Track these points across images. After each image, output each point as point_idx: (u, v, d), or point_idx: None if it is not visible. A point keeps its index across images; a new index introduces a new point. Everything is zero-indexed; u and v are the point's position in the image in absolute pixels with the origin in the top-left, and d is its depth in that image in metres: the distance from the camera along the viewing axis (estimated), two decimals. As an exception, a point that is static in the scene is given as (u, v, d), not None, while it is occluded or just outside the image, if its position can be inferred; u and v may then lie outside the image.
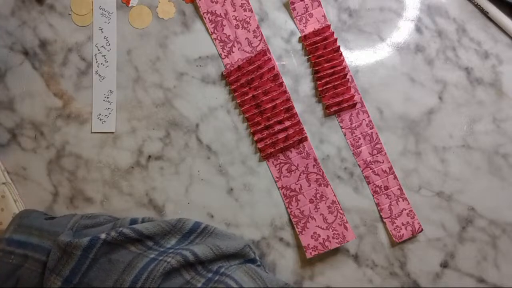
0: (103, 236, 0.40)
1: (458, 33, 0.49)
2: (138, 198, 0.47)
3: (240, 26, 0.48)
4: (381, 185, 0.48)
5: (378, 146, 0.48)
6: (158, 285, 0.38)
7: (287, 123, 0.47)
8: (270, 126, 0.47)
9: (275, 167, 0.48)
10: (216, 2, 0.48)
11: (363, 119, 0.48)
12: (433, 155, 0.48)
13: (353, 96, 0.48)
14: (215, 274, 0.41)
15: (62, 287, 0.38)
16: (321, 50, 0.48)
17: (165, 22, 0.48)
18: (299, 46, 0.49)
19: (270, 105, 0.47)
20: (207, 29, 0.48)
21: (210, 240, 0.43)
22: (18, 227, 0.41)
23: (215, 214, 0.47)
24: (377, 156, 0.48)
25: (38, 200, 0.47)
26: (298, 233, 0.47)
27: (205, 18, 0.48)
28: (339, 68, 0.47)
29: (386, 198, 0.48)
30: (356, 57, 0.49)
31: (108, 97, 0.47)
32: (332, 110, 0.48)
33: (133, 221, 0.43)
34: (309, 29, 0.48)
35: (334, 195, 0.47)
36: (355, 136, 0.48)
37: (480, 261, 0.47)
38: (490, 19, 0.49)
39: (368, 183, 0.48)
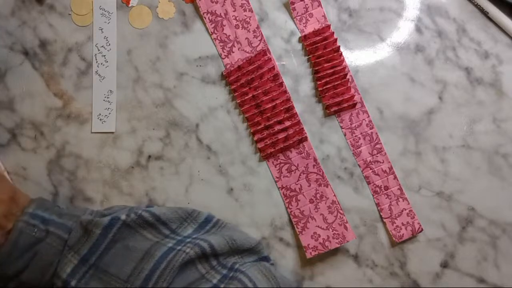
0: (123, 217, 0.40)
1: (458, 33, 0.49)
2: (138, 198, 0.47)
3: (240, 26, 0.48)
4: (381, 185, 0.48)
5: (378, 146, 0.48)
6: (174, 276, 0.38)
7: (287, 123, 0.47)
8: (270, 126, 0.47)
9: (275, 167, 0.48)
10: (216, 2, 0.48)
11: (363, 119, 0.48)
12: (433, 155, 0.48)
13: (353, 96, 0.48)
14: (230, 271, 0.41)
15: (78, 265, 0.38)
16: (321, 50, 0.48)
17: (165, 22, 0.48)
18: (299, 46, 0.49)
19: (270, 105, 0.47)
20: (207, 29, 0.48)
21: (225, 232, 0.44)
22: (40, 206, 0.41)
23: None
24: (377, 156, 0.48)
25: (38, 200, 0.47)
26: (298, 233, 0.47)
27: (205, 18, 0.48)
28: (339, 68, 0.47)
29: (386, 198, 0.48)
30: (356, 57, 0.49)
31: (108, 97, 0.47)
32: (332, 110, 0.48)
33: (149, 207, 0.44)
34: (309, 29, 0.48)
35: (334, 195, 0.47)
36: (355, 136, 0.48)
37: (480, 261, 0.47)
38: (490, 19, 0.49)
39: (368, 183, 0.48)
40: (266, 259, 0.45)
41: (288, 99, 0.47)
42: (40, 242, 0.39)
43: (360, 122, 0.48)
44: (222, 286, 0.39)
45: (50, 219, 0.40)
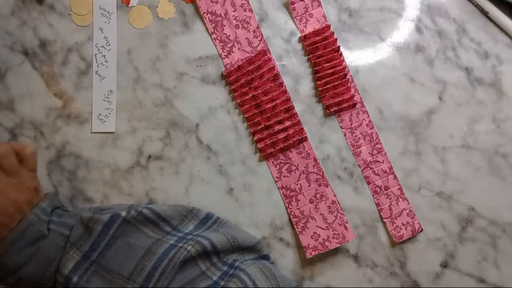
0: (123, 213, 0.40)
1: (458, 33, 0.49)
2: (138, 198, 0.47)
3: (240, 26, 0.48)
4: (381, 185, 0.48)
5: (378, 146, 0.48)
6: (176, 273, 0.38)
7: (287, 123, 0.47)
8: (270, 126, 0.47)
9: (275, 167, 0.48)
10: (216, 2, 0.48)
11: (363, 119, 0.48)
12: (433, 155, 0.48)
13: (353, 96, 0.48)
14: (230, 268, 0.41)
15: (80, 262, 0.38)
16: (321, 50, 0.48)
17: (165, 22, 0.48)
18: (299, 46, 0.49)
19: (270, 105, 0.47)
20: (207, 29, 0.48)
21: (226, 229, 0.44)
22: (50, 203, 0.41)
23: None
24: (377, 156, 0.48)
25: (38, 200, 0.47)
26: (298, 233, 0.47)
27: (205, 18, 0.48)
28: (339, 68, 0.47)
29: (386, 198, 0.48)
30: (356, 57, 0.49)
31: (108, 97, 0.47)
32: (332, 110, 0.48)
33: (149, 204, 0.44)
34: (309, 29, 0.48)
35: (334, 195, 0.47)
36: (355, 136, 0.48)
37: (480, 261, 0.47)
38: (490, 19, 0.49)
39: (368, 183, 0.48)
40: (266, 257, 0.45)
41: (288, 99, 0.47)
42: (44, 238, 0.39)
43: (360, 122, 0.48)
44: (222, 283, 0.39)
45: (52, 219, 0.40)
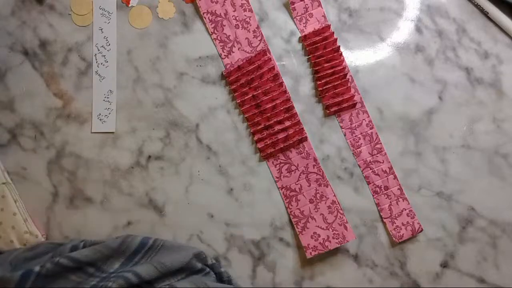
0: (36, 269, 0.38)
1: (458, 33, 0.49)
2: (138, 198, 0.47)
3: (240, 26, 0.48)
4: (381, 185, 0.48)
5: (378, 146, 0.48)
6: None
7: (287, 123, 0.47)
8: (270, 126, 0.47)
9: (275, 167, 0.48)
10: (216, 2, 0.48)
11: (363, 119, 0.48)
12: (433, 155, 0.48)
13: (353, 96, 0.48)
14: None
15: None
16: (321, 50, 0.48)
17: (165, 22, 0.48)
18: (299, 46, 0.49)
19: (270, 105, 0.47)
20: (207, 29, 0.48)
21: (155, 258, 0.42)
22: None
23: (215, 214, 0.47)
24: (377, 156, 0.48)
25: (38, 200, 0.47)
26: (298, 233, 0.47)
27: (205, 18, 0.48)
28: (339, 68, 0.47)
29: (386, 198, 0.48)
30: (356, 57, 0.49)
31: (108, 97, 0.47)
32: (332, 110, 0.48)
33: (74, 248, 0.42)
34: (309, 29, 0.48)
35: (334, 195, 0.47)
36: (355, 136, 0.48)
37: (480, 261, 0.47)
38: (490, 19, 0.49)
39: (368, 183, 0.48)
40: (199, 271, 0.43)
41: (288, 99, 0.47)
42: None
43: (360, 122, 0.48)
44: None
45: None
